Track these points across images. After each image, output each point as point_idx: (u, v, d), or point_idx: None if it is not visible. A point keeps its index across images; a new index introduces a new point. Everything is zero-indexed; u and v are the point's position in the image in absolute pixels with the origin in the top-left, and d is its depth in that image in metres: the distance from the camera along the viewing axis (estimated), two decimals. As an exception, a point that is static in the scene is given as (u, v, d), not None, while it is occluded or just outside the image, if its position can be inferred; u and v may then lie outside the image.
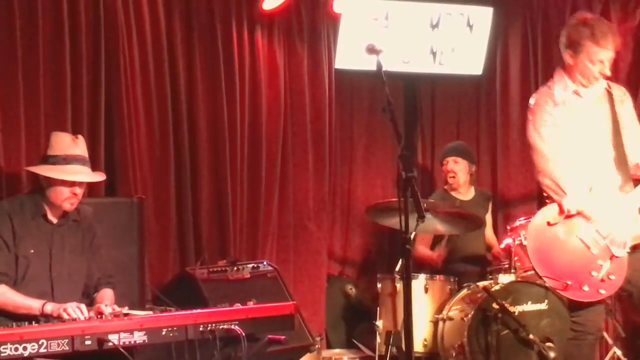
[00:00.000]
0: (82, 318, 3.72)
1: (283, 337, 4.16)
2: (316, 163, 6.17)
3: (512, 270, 5.11)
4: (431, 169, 6.90)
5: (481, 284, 5.13)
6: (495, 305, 4.80)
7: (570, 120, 4.46)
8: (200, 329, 3.70)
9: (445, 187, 6.13)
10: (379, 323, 5.29)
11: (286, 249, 6.03)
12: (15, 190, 4.61)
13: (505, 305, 4.79)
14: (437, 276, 5.41)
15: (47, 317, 3.78)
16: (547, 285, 4.57)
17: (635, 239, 4.44)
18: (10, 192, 4.61)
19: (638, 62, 6.15)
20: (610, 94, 4.52)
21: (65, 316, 3.74)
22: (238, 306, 3.92)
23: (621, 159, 4.46)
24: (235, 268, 5.16)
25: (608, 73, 4.44)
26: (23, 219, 4.04)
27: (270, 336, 4.09)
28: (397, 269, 5.25)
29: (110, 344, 3.46)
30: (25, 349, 3.31)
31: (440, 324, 5.16)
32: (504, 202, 6.58)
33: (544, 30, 6.52)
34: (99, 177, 4.34)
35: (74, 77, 4.96)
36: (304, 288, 6.03)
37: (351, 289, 6.39)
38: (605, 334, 5.59)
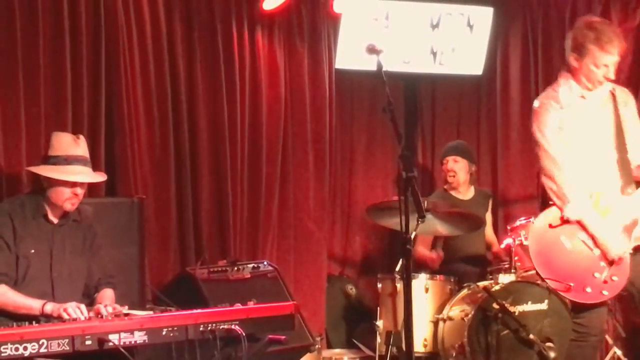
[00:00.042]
0: (82, 318, 3.72)
1: (283, 337, 4.16)
2: (316, 163, 6.17)
3: (513, 270, 5.11)
4: (431, 169, 6.90)
5: (481, 284, 5.13)
6: (495, 305, 4.80)
7: (575, 123, 4.46)
8: (201, 329, 3.70)
9: (445, 186, 6.13)
10: (380, 323, 5.29)
11: (286, 249, 6.03)
12: (16, 190, 4.61)
13: (506, 305, 4.80)
14: (438, 276, 5.41)
15: (47, 317, 3.78)
16: (549, 287, 4.58)
17: (638, 239, 4.45)
18: (10, 192, 4.61)
19: (638, 62, 6.15)
20: (614, 97, 4.52)
21: (65, 316, 3.74)
22: (238, 306, 3.92)
23: (624, 161, 4.47)
24: (236, 268, 5.16)
25: (612, 77, 4.44)
26: (24, 219, 4.04)
27: (270, 336, 4.08)
28: (397, 269, 5.24)
29: (111, 344, 3.46)
30: (25, 348, 3.31)
31: (441, 324, 5.16)
32: (504, 202, 6.58)
33: (544, 31, 6.52)
34: (100, 177, 4.34)
35: (75, 77, 4.96)
36: (305, 288, 6.03)
37: (351, 289, 6.39)
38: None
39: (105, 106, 5.08)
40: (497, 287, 4.95)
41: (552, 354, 4.68)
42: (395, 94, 6.42)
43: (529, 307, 4.88)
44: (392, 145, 6.54)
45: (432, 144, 6.92)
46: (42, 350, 3.34)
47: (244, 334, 3.76)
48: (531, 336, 4.76)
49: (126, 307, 3.86)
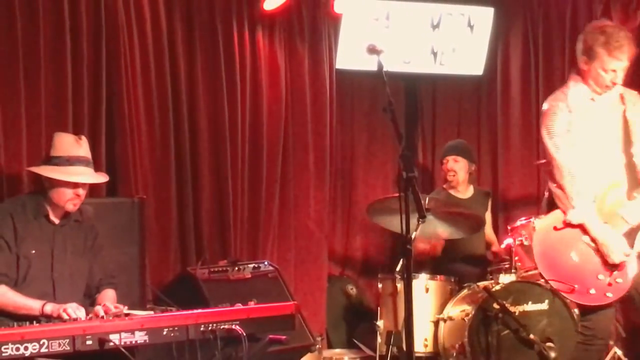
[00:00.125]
0: (82, 318, 3.72)
1: (284, 337, 4.15)
2: (317, 163, 6.17)
3: (513, 270, 5.11)
4: (432, 169, 6.90)
5: (482, 284, 5.13)
6: (495, 305, 4.80)
7: (584, 126, 4.45)
8: (201, 329, 3.70)
9: (445, 185, 6.14)
10: (380, 323, 5.29)
11: (287, 249, 6.03)
12: (17, 191, 4.62)
13: (506, 305, 4.80)
14: (438, 276, 5.41)
15: (47, 318, 3.78)
16: (553, 288, 4.58)
17: None
18: (11, 192, 4.61)
19: (639, 63, 6.13)
20: (623, 100, 4.51)
21: (65, 316, 3.74)
22: (239, 306, 3.92)
23: (631, 164, 4.47)
24: (236, 268, 5.17)
25: (620, 82, 4.43)
26: (25, 220, 4.04)
27: (271, 336, 4.08)
28: (397, 269, 5.24)
29: (112, 344, 3.46)
30: (26, 348, 3.31)
31: (441, 324, 5.16)
32: (505, 202, 6.58)
33: (545, 31, 6.52)
34: (102, 178, 4.33)
35: (75, 77, 4.96)
36: (305, 288, 6.03)
37: (352, 289, 6.40)
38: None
39: (105, 106, 5.08)
40: (497, 287, 4.94)
41: (552, 354, 4.68)
42: (396, 94, 6.42)
43: (529, 307, 4.88)
44: (393, 145, 6.54)
45: (433, 144, 6.93)
46: (43, 350, 3.34)
47: (244, 334, 3.75)
48: (531, 336, 4.76)
49: (126, 306, 3.86)
